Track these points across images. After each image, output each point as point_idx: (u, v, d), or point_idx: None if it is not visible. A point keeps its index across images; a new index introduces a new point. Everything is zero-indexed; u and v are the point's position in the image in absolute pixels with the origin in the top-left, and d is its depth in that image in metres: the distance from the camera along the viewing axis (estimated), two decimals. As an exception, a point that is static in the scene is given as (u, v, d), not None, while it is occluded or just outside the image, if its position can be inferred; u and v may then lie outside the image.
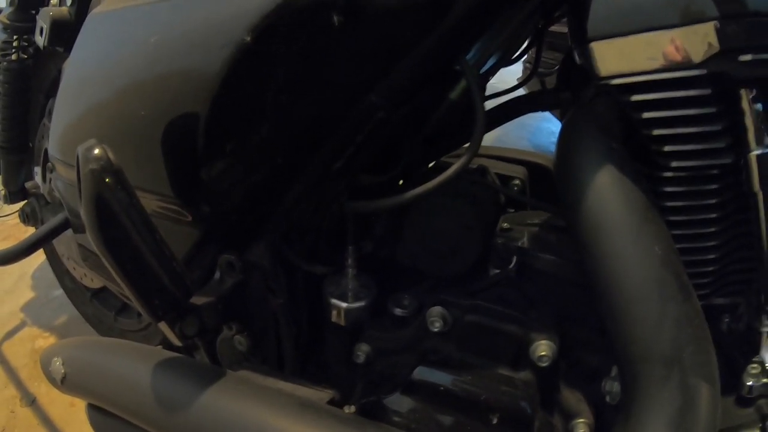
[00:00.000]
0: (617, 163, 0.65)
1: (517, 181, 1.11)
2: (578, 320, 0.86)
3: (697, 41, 0.59)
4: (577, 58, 0.71)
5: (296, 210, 0.82)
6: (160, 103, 0.77)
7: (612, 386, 0.77)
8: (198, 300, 0.77)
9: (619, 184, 0.64)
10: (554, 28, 1.02)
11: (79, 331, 1.93)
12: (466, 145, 0.93)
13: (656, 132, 0.65)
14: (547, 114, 3.21)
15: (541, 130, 3.85)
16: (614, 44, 0.63)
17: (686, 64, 0.60)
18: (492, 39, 0.79)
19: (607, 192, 0.65)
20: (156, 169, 0.79)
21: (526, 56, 1.21)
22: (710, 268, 0.72)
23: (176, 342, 0.74)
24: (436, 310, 0.84)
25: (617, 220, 0.64)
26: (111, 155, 0.61)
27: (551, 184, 1.13)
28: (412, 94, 0.75)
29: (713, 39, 0.58)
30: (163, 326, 0.72)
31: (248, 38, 0.65)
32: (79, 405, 1.65)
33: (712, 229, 0.69)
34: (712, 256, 0.71)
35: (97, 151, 0.60)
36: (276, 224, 0.83)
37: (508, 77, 1.73)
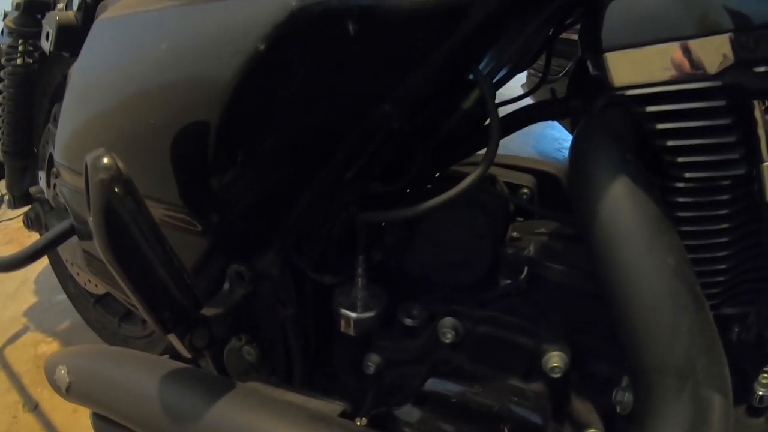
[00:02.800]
0: (631, 173, 0.65)
1: (525, 190, 1.11)
2: (589, 330, 0.85)
3: (712, 53, 0.59)
4: (590, 67, 0.70)
5: (306, 219, 0.82)
6: (170, 111, 0.77)
7: (623, 396, 0.77)
8: (207, 311, 0.76)
9: (632, 195, 0.64)
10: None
11: (82, 336, 1.92)
12: (478, 152, 0.93)
13: (670, 143, 0.64)
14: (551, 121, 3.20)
15: (545, 137, 3.84)
16: (628, 55, 0.63)
17: (701, 76, 0.60)
18: (505, 48, 0.78)
19: (621, 202, 0.64)
20: (165, 178, 0.78)
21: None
22: (721, 278, 0.72)
23: (185, 353, 0.74)
24: (448, 321, 0.84)
25: (631, 230, 0.63)
26: (120, 164, 0.60)
27: (560, 192, 1.14)
28: (425, 103, 0.75)
29: (728, 51, 0.58)
30: (172, 338, 0.71)
31: (262, 46, 0.64)
32: (82, 411, 1.64)
33: (724, 240, 0.69)
34: (723, 266, 0.71)
35: (105, 160, 0.60)
36: (286, 234, 0.82)
37: (512, 83, 1.73)
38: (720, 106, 0.61)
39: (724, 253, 0.70)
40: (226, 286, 0.83)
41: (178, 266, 0.67)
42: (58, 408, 1.68)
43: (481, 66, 0.76)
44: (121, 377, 0.81)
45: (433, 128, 0.82)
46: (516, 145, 3.54)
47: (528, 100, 1.10)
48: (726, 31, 0.57)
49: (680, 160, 0.65)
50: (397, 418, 0.85)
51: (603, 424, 0.79)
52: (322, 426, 0.67)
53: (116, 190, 0.60)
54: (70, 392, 0.87)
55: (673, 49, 0.60)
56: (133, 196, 0.62)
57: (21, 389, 1.77)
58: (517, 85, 1.75)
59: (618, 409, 0.77)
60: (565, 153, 3.65)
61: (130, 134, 0.83)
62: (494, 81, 0.85)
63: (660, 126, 0.64)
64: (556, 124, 3.40)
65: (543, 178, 1.15)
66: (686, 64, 0.60)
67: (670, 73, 0.61)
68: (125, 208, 0.61)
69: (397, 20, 0.64)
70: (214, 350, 0.85)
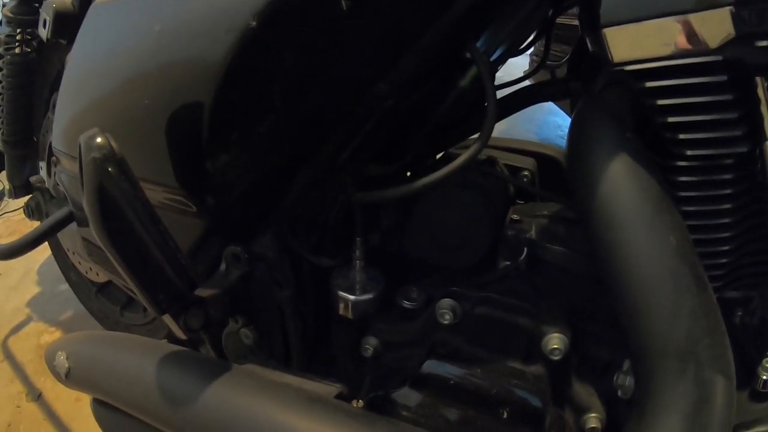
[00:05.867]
0: (630, 152, 0.64)
1: (526, 172, 1.10)
2: (589, 313, 0.85)
3: (713, 27, 0.57)
4: (589, 45, 0.69)
5: (303, 201, 0.81)
6: (164, 93, 0.76)
7: (624, 380, 0.76)
8: (203, 292, 0.75)
9: (632, 174, 0.63)
10: (562, 20, 1.01)
11: (84, 325, 1.93)
12: (475, 136, 0.92)
13: (671, 120, 0.63)
14: (554, 107, 3.20)
15: (548, 124, 3.84)
16: (627, 30, 0.61)
17: (701, 50, 0.59)
18: (501, 27, 0.78)
19: (621, 182, 0.63)
20: (160, 159, 0.78)
21: (533, 49, 1.20)
22: (724, 260, 0.71)
23: (181, 335, 0.73)
24: (446, 302, 0.83)
25: (631, 210, 0.63)
26: (114, 144, 0.60)
27: (560, 175, 1.13)
28: (421, 82, 0.74)
29: (729, 25, 0.57)
30: (167, 319, 0.71)
31: (254, 23, 0.63)
32: (85, 400, 1.64)
33: (727, 220, 0.68)
34: (725, 248, 0.70)
35: (99, 139, 0.59)
36: (282, 216, 0.82)
37: (514, 70, 1.72)
38: (721, 82, 0.60)
39: (726, 234, 0.69)
40: (222, 267, 0.83)
41: (173, 247, 0.67)
42: (61, 397, 1.69)
43: (477, 45, 0.75)
44: (120, 362, 0.81)
45: (429, 109, 0.81)
46: (518, 131, 3.53)
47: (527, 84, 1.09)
48: (726, 5, 0.56)
49: (681, 137, 0.64)
50: (395, 400, 0.84)
51: (604, 407, 0.78)
52: (319, 407, 0.66)
53: (109, 169, 0.60)
54: (69, 378, 0.87)
55: (673, 24, 0.59)
56: (127, 176, 0.61)
57: (24, 379, 1.78)
58: (519, 71, 1.74)
59: (619, 393, 0.77)
60: (568, 141, 3.63)
61: (126, 117, 0.83)
62: (491, 60, 0.84)
63: (660, 102, 0.63)
64: (558, 110, 3.40)
65: (544, 161, 1.15)
66: (686, 39, 0.59)
67: (670, 47, 0.60)
68: (119, 188, 0.60)
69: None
70: (212, 333, 0.85)
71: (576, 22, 0.78)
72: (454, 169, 0.74)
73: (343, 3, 0.62)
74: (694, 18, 0.58)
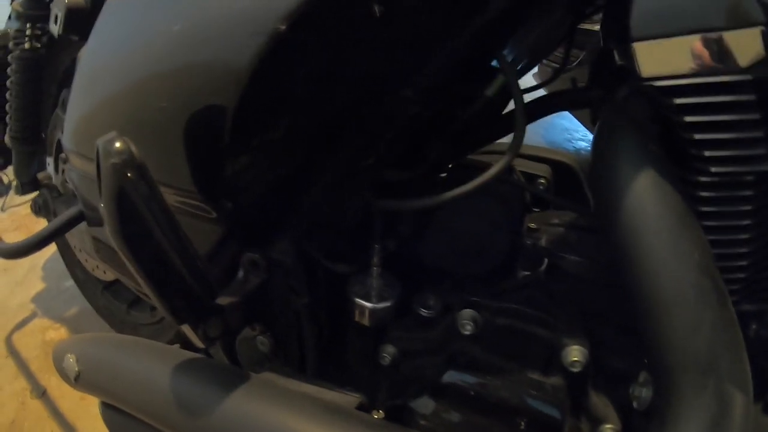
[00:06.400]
0: (655, 164, 0.64)
1: (542, 180, 1.09)
2: (606, 323, 0.84)
3: (744, 46, 0.57)
4: (616, 57, 0.69)
5: (321, 206, 0.80)
6: (183, 95, 0.75)
7: (640, 392, 0.75)
8: (222, 300, 0.74)
9: (657, 186, 0.63)
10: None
11: (90, 323, 1.92)
12: (499, 141, 0.91)
13: (697, 136, 0.63)
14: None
15: (555, 127, 3.83)
16: (658, 45, 0.61)
17: (731, 69, 0.59)
18: (527, 35, 0.77)
19: (645, 194, 0.63)
20: (177, 163, 0.76)
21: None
22: (741, 275, 0.71)
23: (199, 345, 0.72)
24: (468, 312, 0.83)
25: (655, 222, 0.63)
26: (133, 148, 0.59)
27: (575, 183, 1.12)
28: (447, 89, 0.74)
29: (759, 44, 0.57)
30: (186, 329, 0.69)
31: (282, 27, 0.62)
32: (90, 398, 1.63)
33: (745, 236, 0.68)
34: (743, 263, 0.70)
35: (118, 144, 0.58)
36: (300, 221, 0.81)
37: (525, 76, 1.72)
38: (749, 101, 0.60)
39: (744, 250, 0.69)
40: (240, 274, 0.82)
41: (193, 254, 0.66)
42: (66, 395, 1.69)
43: (503, 53, 0.75)
44: (132, 367, 0.80)
45: (451, 115, 0.80)
46: (527, 135, 3.51)
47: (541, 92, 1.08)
48: (758, 24, 0.56)
49: (707, 154, 0.63)
50: (414, 410, 0.84)
51: (620, 419, 0.78)
52: (340, 419, 0.65)
53: (129, 174, 0.58)
54: (79, 381, 0.86)
55: (704, 41, 0.59)
56: (147, 181, 0.60)
57: (29, 376, 1.77)
58: (529, 77, 1.74)
59: (635, 404, 0.76)
60: (576, 144, 3.65)
61: (142, 118, 0.82)
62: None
63: (688, 119, 0.62)
64: (567, 114, 3.39)
65: (558, 168, 1.14)
66: (717, 57, 0.59)
67: (699, 65, 0.60)
68: (138, 194, 0.59)
69: (423, 2, 0.63)
70: (226, 340, 0.84)
71: (587, 27, 0.77)
72: (485, 181, 0.74)
73: (376, 9, 0.61)
74: (727, 36, 0.58)
